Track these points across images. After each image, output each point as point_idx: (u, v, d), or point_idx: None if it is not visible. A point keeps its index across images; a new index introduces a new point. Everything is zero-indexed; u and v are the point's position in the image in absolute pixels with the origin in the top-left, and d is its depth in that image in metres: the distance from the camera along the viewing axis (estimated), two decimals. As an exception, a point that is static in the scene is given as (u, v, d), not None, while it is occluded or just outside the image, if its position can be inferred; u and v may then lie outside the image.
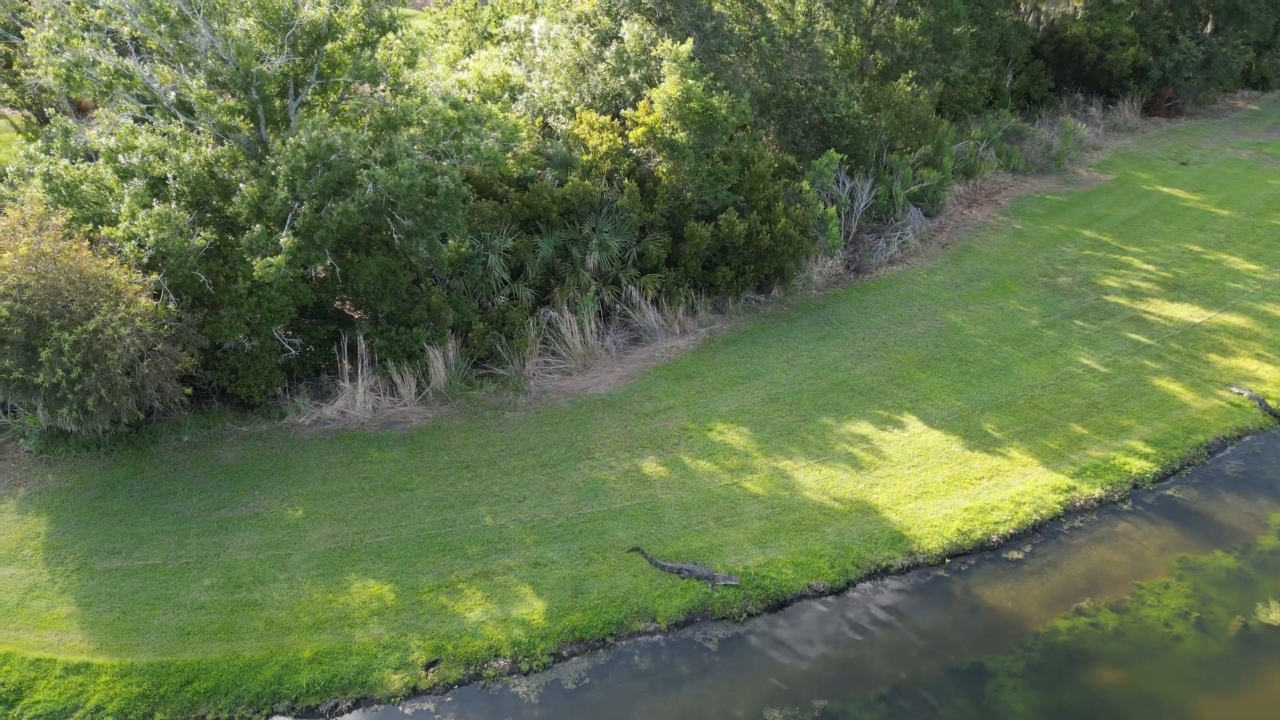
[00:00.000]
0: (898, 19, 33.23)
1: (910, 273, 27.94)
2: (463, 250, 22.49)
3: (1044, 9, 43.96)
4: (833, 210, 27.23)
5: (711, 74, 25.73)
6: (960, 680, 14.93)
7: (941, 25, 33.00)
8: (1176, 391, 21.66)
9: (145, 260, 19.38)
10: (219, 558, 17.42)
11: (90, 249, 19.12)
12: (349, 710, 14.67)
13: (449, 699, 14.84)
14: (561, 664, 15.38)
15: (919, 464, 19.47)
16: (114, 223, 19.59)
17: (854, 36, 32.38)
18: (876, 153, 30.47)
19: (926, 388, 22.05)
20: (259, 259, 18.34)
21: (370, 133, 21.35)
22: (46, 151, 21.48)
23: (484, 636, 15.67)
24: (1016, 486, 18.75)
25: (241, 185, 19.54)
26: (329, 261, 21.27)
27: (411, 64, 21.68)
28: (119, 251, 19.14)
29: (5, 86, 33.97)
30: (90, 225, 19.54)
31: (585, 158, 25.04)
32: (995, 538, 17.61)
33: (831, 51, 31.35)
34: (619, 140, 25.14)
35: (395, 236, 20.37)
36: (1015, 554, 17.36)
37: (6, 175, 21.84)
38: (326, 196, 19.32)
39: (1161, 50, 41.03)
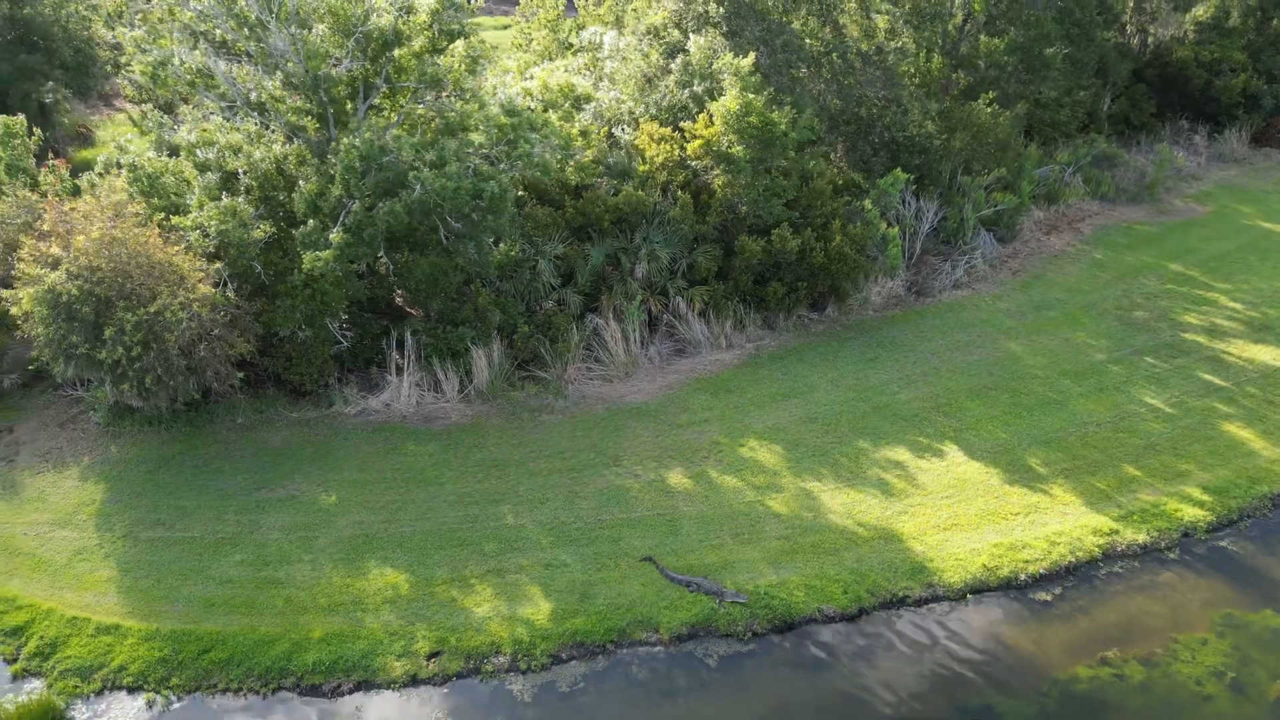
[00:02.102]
0: (983, 38, 32.30)
1: (975, 298, 27.04)
2: (512, 254, 22.95)
3: (1151, 31, 41.94)
4: (894, 230, 26.62)
5: (774, 89, 25.56)
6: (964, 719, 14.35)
7: (1031, 45, 31.91)
8: (1246, 438, 20.31)
9: (210, 249, 20.49)
10: (252, 535, 18.21)
11: (161, 237, 20.33)
12: (350, 692, 15.10)
13: (446, 690, 15.12)
14: (560, 666, 15.48)
15: (953, 495, 18.82)
16: (188, 213, 20.77)
17: (935, 55, 31.63)
18: (950, 174, 29.65)
19: (973, 417, 21.30)
20: (309, 252, 19.14)
21: (431, 136, 22.05)
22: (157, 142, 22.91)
23: (488, 632, 15.90)
24: (1054, 525, 17.92)
25: (301, 182, 20.45)
26: (383, 258, 22.06)
27: (473, 71, 22.28)
28: (186, 240, 20.27)
29: (125, 83, 36.55)
30: (163, 215, 20.77)
31: (642, 168, 25.23)
32: (1024, 576, 16.86)
33: (910, 69, 30.73)
34: (677, 152, 25.23)
35: (444, 237, 20.90)
36: (1043, 595, 16.59)
37: (98, 164, 23.44)
38: (379, 196, 20.02)
39: (1276, 78, 38.59)
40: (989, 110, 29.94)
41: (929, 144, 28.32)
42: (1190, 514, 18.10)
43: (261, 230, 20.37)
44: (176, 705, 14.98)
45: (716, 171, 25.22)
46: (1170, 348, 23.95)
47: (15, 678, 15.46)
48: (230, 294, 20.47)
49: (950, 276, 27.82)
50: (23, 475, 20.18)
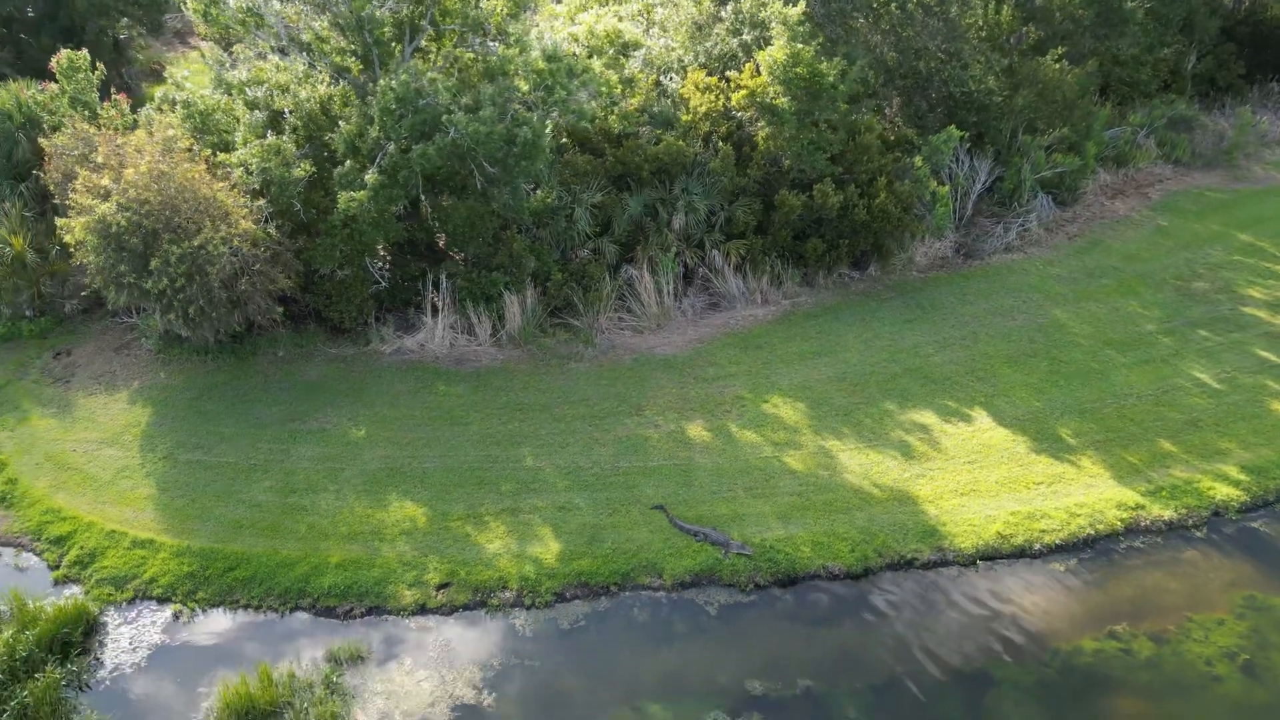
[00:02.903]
0: (1059, -11, 30.76)
1: (1025, 262, 26.18)
2: (549, 201, 23.03)
3: (1248, -14, 39.34)
4: (944, 189, 25.84)
5: (827, 39, 24.86)
6: (960, 684, 14.29)
7: (1109, -1, 30.28)
8: (1296, 418, 19.42)
9: (255, 186, 21.05)
10: (282, 464, 18.95)
11: (209, 172, 20.95)
12: (362, 616, 15.74)
13: (452, 620, 15.64)
14: (563, 604, 15.85)
15: (975, 461, 18.49)
16: (236, 150, 21.34)
17: (1005, 6, 30.28)
18: (1011, 133, 28.56)
19: (1007, 383, 20.79)
20: (344, 193, 19.52)
21: (475, 80, 22.10)
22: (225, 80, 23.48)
23: (497, 568, 16.34)
24: (1077, 497, 17.49)
25: (340, 123, 20.80)
26: (423, 201, 22.39)
27: (515, 15, 22.20)
28: (231, 176, 20.85)
29: (200, 20, 37.35)
30: (211, 151, 21.38)
31: (685, 118, 24.93)
32: (1038, 546, 16.56)
33: (977, 21, 29.49)
34: (721, 102, 24.84)
35: (478, 182, 21.07)
36: (1057, 565, 16.28)
37: (156, 100, 24.18)
38: (414, 139, 20.25)
39: (1383, 38, 35.91)
40: (1057, 66, 28.65)
41: (988, 100, 27.30)
42: (1224, 493, 17.47)
43: (303, 169, 20.83)
44: (201, 617, 15.83)
45: (761, 123, 24.78)
46: (1227, 321, 22.90)
47: (56, 583, 16.51)
48: (272, 231, 21.04)
49: (1001, 239, 26.96)
50: (77, 395, 21.29)
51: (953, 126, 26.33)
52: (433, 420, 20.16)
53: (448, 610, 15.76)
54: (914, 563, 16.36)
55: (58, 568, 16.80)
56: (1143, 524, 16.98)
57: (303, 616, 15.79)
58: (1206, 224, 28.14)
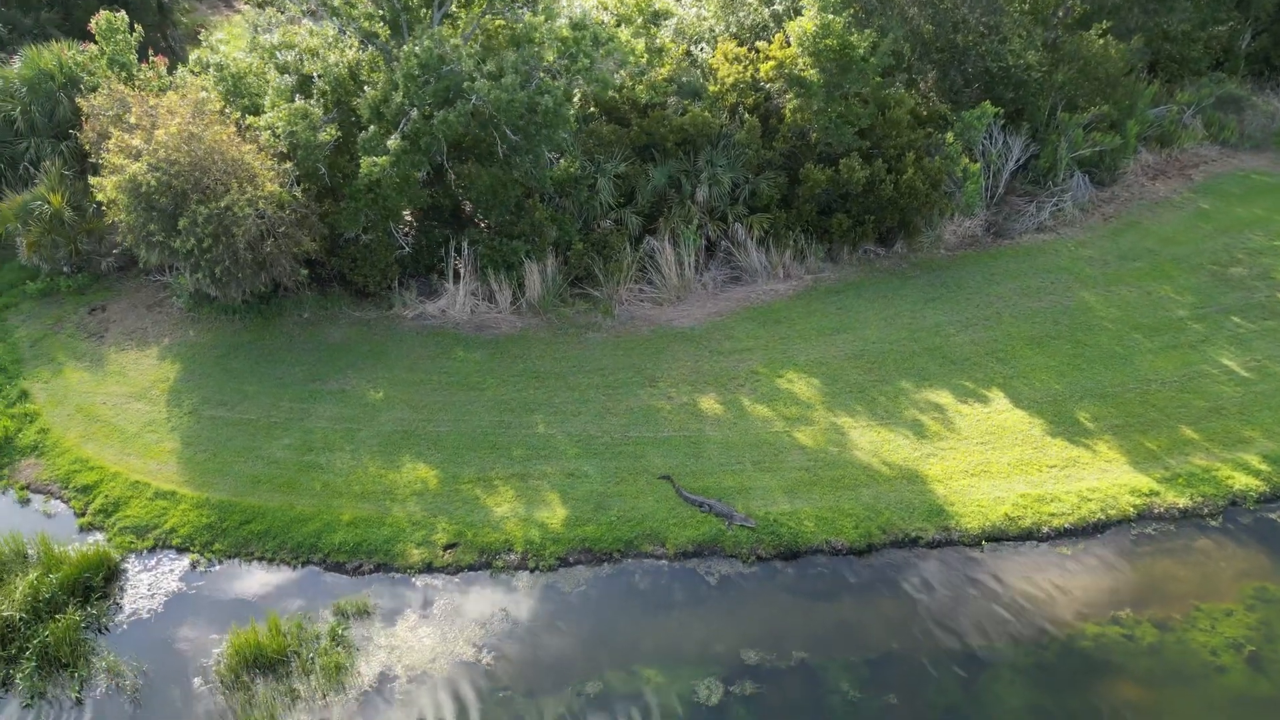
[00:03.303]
0: (1106, -39, 29.83)
1: (1057, 243, 25.66)
2: (572, 170, 23.05)
3: (1312, -40, 37.70)
4: (976, 167, 25.36)
5: (860, 9, 24.43)
6: (956, 663, 14.27)
7: (1160, -29, 29.32)
8: (1326, 409, 18.90)
9: (282, 150, 21.36)
10: (302, 423, 19.38)
11: (239, 135, 21.30)
12: (370, 572, 16.13)
13: (457, 580, 15.97)
14: (566, 569, 16.09)
15: (988, 442, 18.31)
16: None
17: (1051, -22, 29.41)
18: (1050, 110, 27.90)
19: (1027, 365, 20.50)
20: (366, 158, 19.74)
21: (502, 47, 22.12)
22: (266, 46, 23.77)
23: (503, 531, 16.62)
24: (1089, 481, 17.26)
25: (366, 88, 20.98)
26: (447, 168, 22.55)
27: (544, -19, 22.13)
28: (259, 139, 21.17)
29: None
30: (241, 114, 21.71)
31: (712, 88, 24.72)
32: (1046, 529, 16.40)
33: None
34: (749, 73, 24.59)
35: (501, 150, 21.16)
36: (1064, 549, 16.12)
37: (191, 62, 24.58)
38: (438, 105, 20.37)
39: None
40: (1101, 42, 27.86)
41: (1026, 76, 26.67)
42: (1242, 482, 17.11)
43: (328, 133, 21.08)
44: (217, 568, 16.35)
45: (789, 95, 24.49)
46: (1262, 308, 22.27)
47: (81, 529, 17.15)
48: (298, 194, 21.36)
49: (1034, 219, 26.44)
50: (109, 350, 21.94)
51: (987, 102, 25.79)
52: (449, 385, 20.44)
53: (453, 570, 16.09)
54: (918, 541, 16.31)
55: (83, 515, 17.44)
56: (1156, 511, 16.71)
57: (313, 570, 16.22)
58: (1250, 208, 27.29)
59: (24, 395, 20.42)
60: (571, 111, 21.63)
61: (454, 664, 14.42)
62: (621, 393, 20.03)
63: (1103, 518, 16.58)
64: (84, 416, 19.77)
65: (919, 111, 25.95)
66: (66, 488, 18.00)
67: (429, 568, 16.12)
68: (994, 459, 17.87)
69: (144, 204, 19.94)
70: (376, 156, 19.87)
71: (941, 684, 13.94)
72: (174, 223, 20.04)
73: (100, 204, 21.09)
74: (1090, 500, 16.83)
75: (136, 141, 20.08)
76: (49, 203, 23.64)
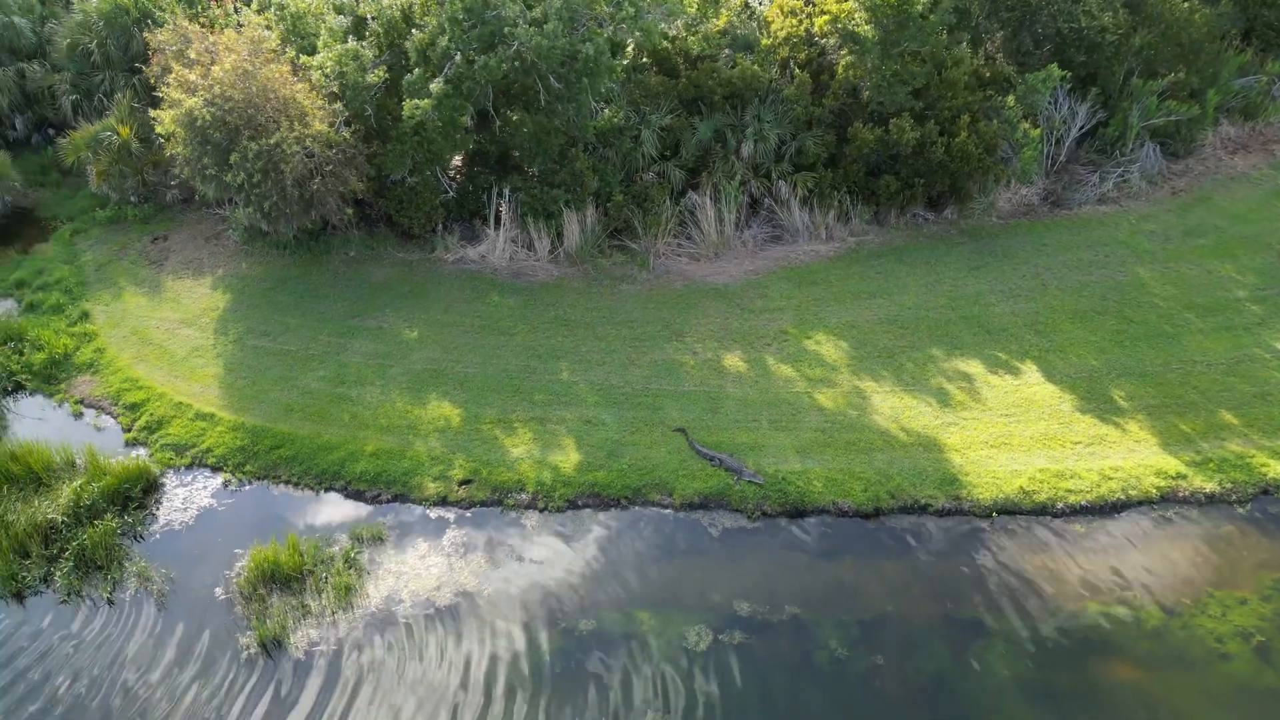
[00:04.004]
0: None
1: (1118, 215, 24.66)
2: (616, 120, 23.04)
3: None
4: (1036, 132, 24.42)
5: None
6: (951, 630, 14.21)
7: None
8: (1382, 401, 17.94)
9: (334, 90, 21.86)
10: (338, 356, 20.10)
11: (294, 74, 21.86)
12: (387, 502, 16.78)
13: (469, 514, 16.51)
14: (574, 511, 16.47)
15: (1013, 414, 17.95)
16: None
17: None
18: (1125, 75, 26.62)
19: (1066, 339, 19.92)
20: (409, 100, 20.08)
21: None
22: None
23: (517, 471, 17.07)
24: (1114, 460, 16.82)
25: (414, 30, 21.25)
26: (492, 115, 22.78)
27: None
28: (310, 79, 21.70)
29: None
30: (296, 53, 22.25)
31: (765, 42, 24.30)
32: (1061, 505, 16.07)
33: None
34: (803, 27, 24.07)
35: (543, 97, 21.27)
36: (1078, 527, 15.80)
37: (255, 1, 25.21)
38: (482, 50, 20.53)
39: None
40: (1185, 5, 26.39)
41: (1101, 39, 25.46)
42: (1277, 470, 16.44)
43: (376, 75, 21.47)
44: (247, 488, 17.22)
45: (843, 51, 23.92)
46: (1330, 294, 21.12)
47: (126, 444, 18.22)
48: (346, 134, 21.88)
49: (1096, 189, 25.43)
50: (167, 278, 23.00)
51: (1054, 65, 24.74)
52: (481, 328, 20.89)
53: (466, 505, 16.62)
54: (927, 508, 16.18)
55: (129, 431, 18.50)
56: (1181, 494, 16.22)
57: (335, 497, 16.95)
58: (1335, 187, 25.71)
59: (85, 316, 21.62)
60: (618, 61, 21.57)
61: (457, 593, 14.99)
62: (648, 345, 20.18)
63: (1123, 498, 16.16)
64: (138, 339, 20.85)
65: (981, 73, 25.08)
66: (116, 404, 19.09)
67: (443, 501, 16.68)
68: (1016, 432, 17.53)
69: (199, 138, 20.71)
70: (419, 99, 20.18)
71: (932, 650, 13.92)
72: (226, 157, 20.78)
73: (160, 136, 21.94)
74: (1112, 479, 16.41)
75: (194, 76, 20.80)
76: (118, 134, 24.72)
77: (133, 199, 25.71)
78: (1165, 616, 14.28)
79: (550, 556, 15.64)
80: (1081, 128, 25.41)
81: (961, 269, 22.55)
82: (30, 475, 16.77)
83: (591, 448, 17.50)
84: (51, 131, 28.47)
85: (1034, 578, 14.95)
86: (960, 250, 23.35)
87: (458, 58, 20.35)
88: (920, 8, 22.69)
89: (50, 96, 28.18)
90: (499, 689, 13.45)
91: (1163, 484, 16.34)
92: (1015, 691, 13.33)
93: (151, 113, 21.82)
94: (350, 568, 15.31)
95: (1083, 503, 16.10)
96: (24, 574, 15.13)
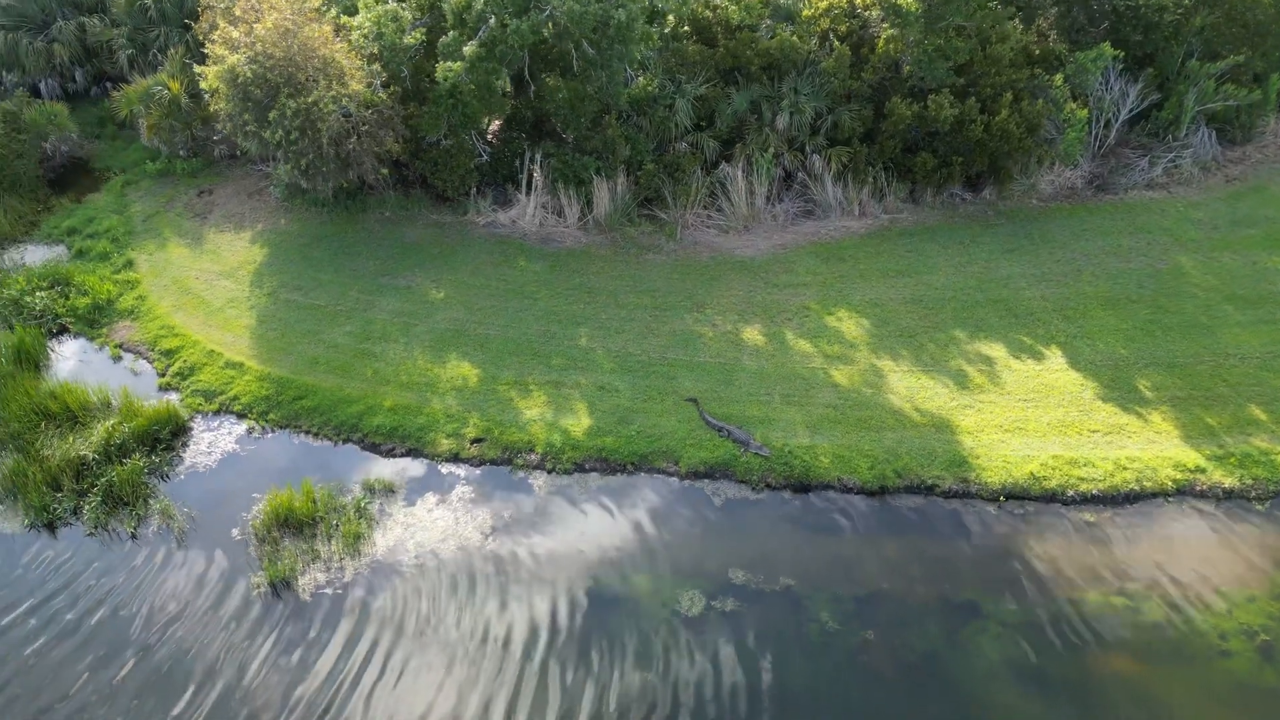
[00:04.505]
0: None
1: (1165, 202, 23.92)
2: (650, 89, 22.98)
3: None
4: (1083, 113, 23.72)
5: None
6: (946, 610, 14.18)
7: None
8: None
9: (373, 51, 22.17)
10: (365, 313, 20.58)
11: (335, 34, 22.22)
12: (401, 455, 17.23)
13: (478, 472, 16.88)
14: (580, 474, 16.73)
15: (1032, 400, 17.67)
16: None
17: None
18: (1183, 56, 25.66)
19: (1096, 326, 19.49)
20: (442, 63, 20.30)
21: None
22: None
23: (528, 432, 17.37)
24: (1132, 450, 16.49)
25: (454, -8, 21.44)
26: (528, 80, 22.91)
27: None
28: (349, 39, 22.03)
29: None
30: (337, 13, 22.60)
31: (806, 13, 23.96)
32: (1071, 493, 15.84)
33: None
34: (844, -2, 23.67)
35: (576, 63, 21.31)
36: (1087, 515, 15.56)
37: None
38: (517, 14, 20.62)
39: None
40: (1253, -17, 25.24)
41: (1158, 18, 24.56)
42: (1302, 470, 15.97)
43: (414, 37, 21.71)
44: (269, 436, 17.82)
45: (885, 24, 23.47)
46: (1383, 291, 20.27)
47: (160, 388, 18.96)
48: (383, 95, 22.21)
49: (1144, 174, 24.66)
50: (209, 231, 23.72)
51: (1106, 44, 23.96)
52: (505, 292, 21.18)
53: (477, 462, 16.99)
54: (934, 489, 16.08)
55: (163, 376, 19.24)
56: (1198, 488, 15.86)
57: (352, 448, 17.45)
58: (1401, 180, 24.56)
59: (130, 264, 22.44)
60: (654, 29, 21.48)
61: (460, 546, 15.39)
62: (668, 315, 20.26)
63: (1136, 488, 15.86)
64: (178, 288, 21.59)
65: (1030, 50, 24.42)
66: (153, 350, 19.85)
67: (455, 458, 17.07)
68: (1033, 417, 17.27)
69: (240, 94, 21.22)
70: (453, 61, 20.38)
71: (924, 628, 13.91)
72: (266, 114, 21.26)
73: (205, 92, 22.53)
74: (1127, 469, 16.11)
75: (236, 34, 21.27)
76: (168, 89, 25.43)
77: (181, 153, 26.46)
78: (1168, 610, 14.05)
79: (554, 517, 15.93)
80: (1132, 110, 24.61)
81: (995, 251, 22.13)
82: (67, 413, 17.57)
83: (603, 413, 17.70)
84: (109, 85, 29.38)
85: (1036, 564, 14.80)
86: (996, 232, 22.90)
87: (492, 21, 20.48)
88: (966, -20, 22.12)
89: (108, 51, 29.06)
90: (490, 640, 13.82)
91: (1180, 477, 15.99)
92: (1005, 675, 13.27)
93: (196, 68, 22.40)
94: (361, 517, 15.79)
95: (1095, 491, 15.85)
96: (55, 506, 15.92)
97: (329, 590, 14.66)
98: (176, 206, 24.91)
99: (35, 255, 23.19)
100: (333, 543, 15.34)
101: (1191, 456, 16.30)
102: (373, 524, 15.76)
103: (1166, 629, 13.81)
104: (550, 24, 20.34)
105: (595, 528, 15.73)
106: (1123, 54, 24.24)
